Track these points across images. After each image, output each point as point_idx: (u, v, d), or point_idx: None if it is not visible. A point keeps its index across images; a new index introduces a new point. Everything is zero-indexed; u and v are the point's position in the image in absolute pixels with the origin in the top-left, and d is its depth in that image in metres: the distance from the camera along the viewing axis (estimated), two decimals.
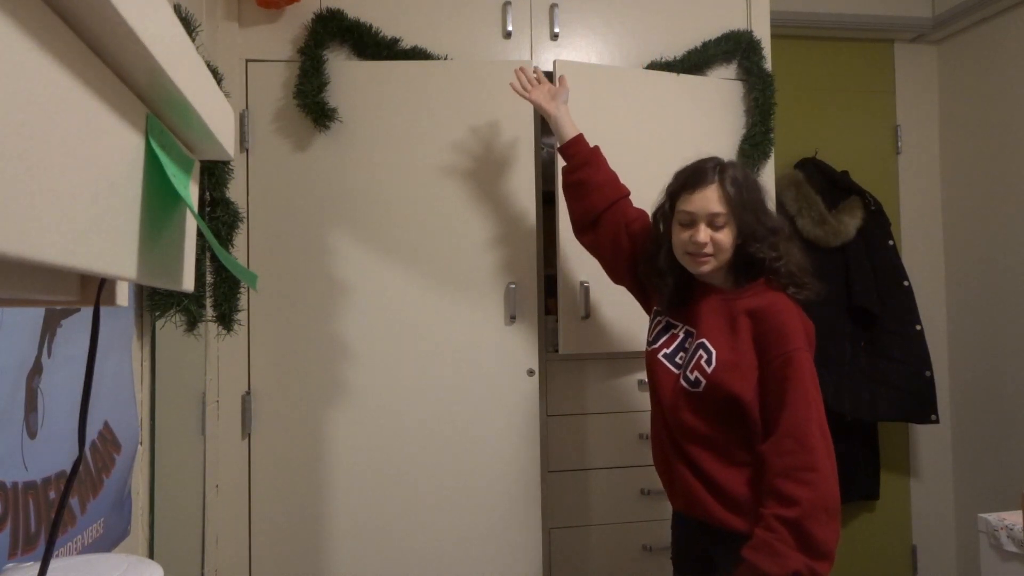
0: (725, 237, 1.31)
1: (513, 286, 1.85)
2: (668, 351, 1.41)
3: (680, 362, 1.39)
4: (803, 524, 1.18)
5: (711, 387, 1.30)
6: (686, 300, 1.41)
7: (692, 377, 1.33)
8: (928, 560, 2.70)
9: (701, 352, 1.33)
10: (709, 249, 1.31)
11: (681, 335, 1.41)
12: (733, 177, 1.32)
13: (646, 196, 1.92)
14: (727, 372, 1.30)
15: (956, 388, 2.70)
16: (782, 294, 1.32)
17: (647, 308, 1.56)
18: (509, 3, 1.94)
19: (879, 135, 2.74)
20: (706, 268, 1.33)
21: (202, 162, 0.61)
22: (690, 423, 1.34)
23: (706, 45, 2.02)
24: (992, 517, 1.65)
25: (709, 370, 1.31)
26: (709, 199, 1.31)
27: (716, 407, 1.32)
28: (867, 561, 2.66)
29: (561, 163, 1.64)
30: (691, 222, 1.33)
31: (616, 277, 1.60)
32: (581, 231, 1.62)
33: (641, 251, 1.49)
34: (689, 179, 1.35)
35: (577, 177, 1.58)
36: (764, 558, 1.19)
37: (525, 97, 1.66)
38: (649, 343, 1.47)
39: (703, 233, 1.31)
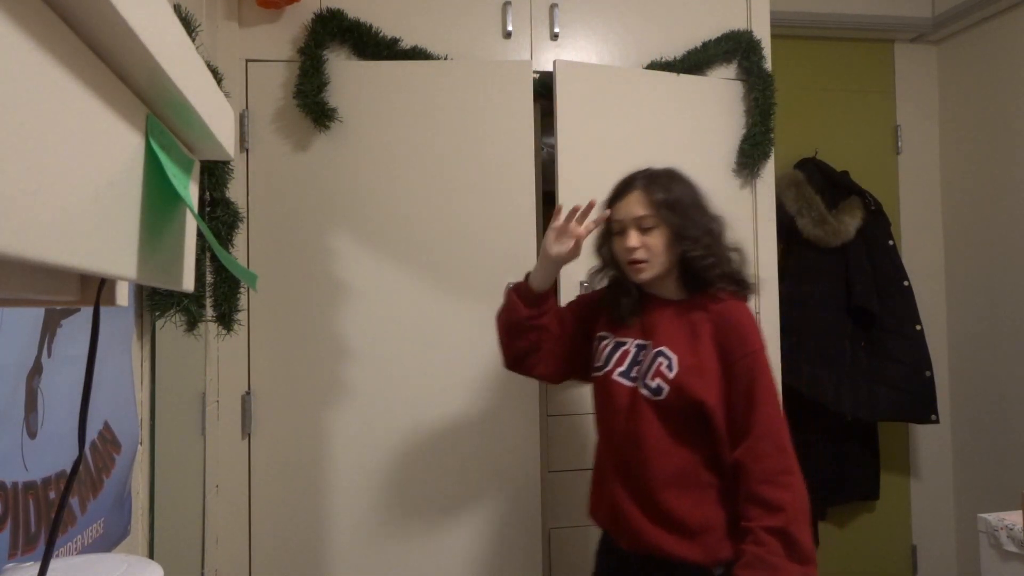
0: (656, 240, 1.31)
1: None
2: (622, 369, 1.35)
3: (636, 375, 1.33)
4: (789, 531, 1.17)
5: (675, 392, 1.26)
6: (635, 315, 1.39)
7: (653, 384, 1.28)
8: (928, 560, 2.70)
9: (661, 359, 1.29)
10: (642, 254, 1.31)
11: (633, 350, 1.36)
12: (658, 180, 1.35)
13: None
14: (691, 376, 1.26)
15: (956, 388, 2.70)
16: (736, 297, 1.34)
17: (587, 377, 1.48)
18: (509, 3, 1.94)
19: (879, 135, 2.74)
20: (644, 275, 1.33)
21: (202, 162, 0.61)
22: (652, 438, 1.27)
23: (706, 45, 2.02)
24: (992, 517, 1.65)
25: (671, 375, 1.27)
26: (632, 203, 1.33)
27: (680, 417, 1.27)
28: (867, 561, 2.66)
29: (526, 302, 1.43)
30: (621, 230, 1.34)
31: (562, 370, 1.49)
32: (517, 363, 1.47)
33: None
34: (617, 191, 1.38)
35: (544, 322, 1.43)
36: (753, 573, 1.16)
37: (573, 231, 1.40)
38: (598, 368, 1.39)
39: (633, 238, 1.31)
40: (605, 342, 1.41)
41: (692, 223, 1.32)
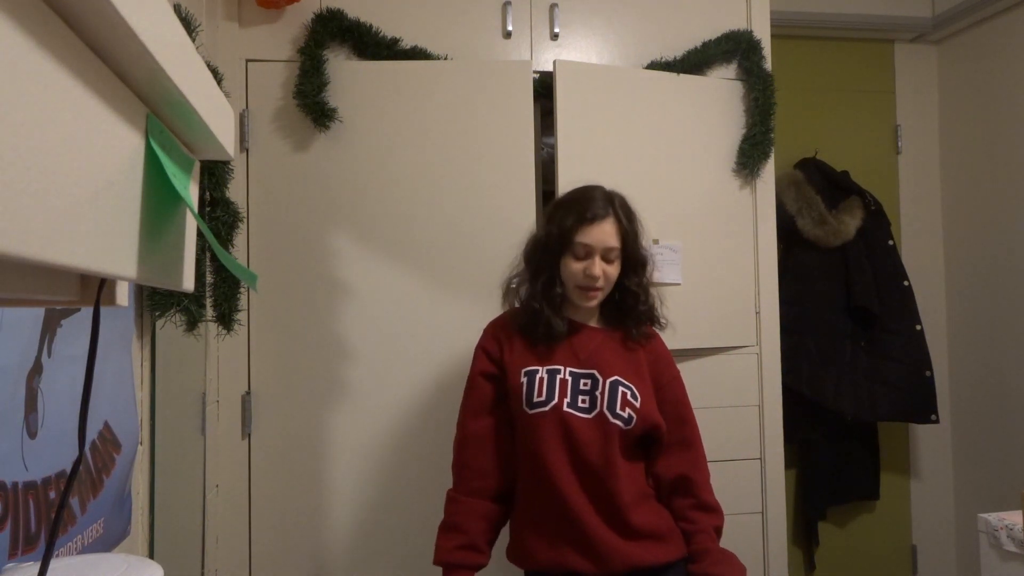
0: (615, 270, 1.36)
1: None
2: (568, 400, 1.33)
3: (586, 405, 1.33)
4: (722, 526, 1.37)
5: (641, 420, 1.33)
6: (558, 340, 1.37)
7: (625, 414, 1.32)
8: (928, 560, 2.70)
9: (622, 389, 1.33)
10: (601, 283, 1.34)
11: (569, 378, 1.34)
12: (627, 209, 1.38)
13: (644, 196, 1.92)
14: (648, 403, 1.36)
15: (956, 388, 2.70)
16: (654, 329, 1.46)
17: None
18: (509, 3, 1.94)
19: (879, 135, 2.74)
20: (595, 302, 1.37)
21: (202, 162, 0.61)
22: (620, 463, 1.32)
23: (706, 45, 2.02)
24: (992, 517, 1.65)
25: (638, 404, 1.34)
26: (607, 233, 1.33)
27: (635, 440, 1.35)
28: (867, 561, 2.66)
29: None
30: (587, 255, 1.33)
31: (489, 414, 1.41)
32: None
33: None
34: (586, 211, 1.33)
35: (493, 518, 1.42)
36: (727, 569, 1.29)
37: None
38: (542, 402, 1.32)
39: (598, 266, 1.32)
40: (539, 375, 1.35)
41: (640, 257, 1.39)
